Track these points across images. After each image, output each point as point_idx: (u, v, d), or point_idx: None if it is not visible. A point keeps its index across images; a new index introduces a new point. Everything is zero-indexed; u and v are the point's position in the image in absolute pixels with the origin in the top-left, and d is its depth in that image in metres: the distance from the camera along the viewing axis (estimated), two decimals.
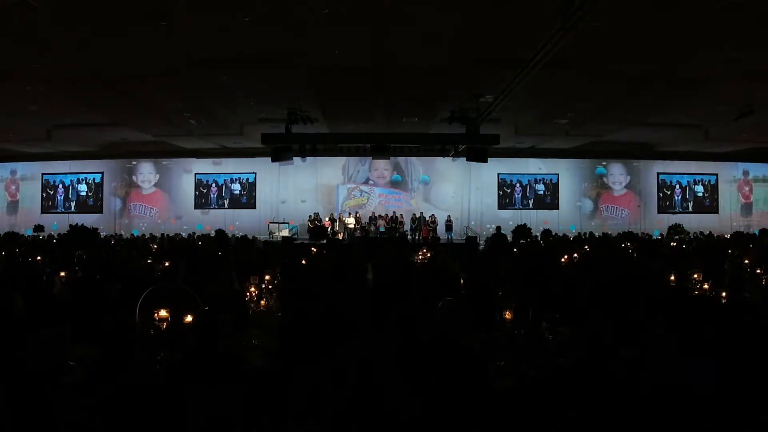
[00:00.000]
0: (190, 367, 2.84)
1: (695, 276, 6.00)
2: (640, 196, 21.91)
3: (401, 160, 20.72)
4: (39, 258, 8.55)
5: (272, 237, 18.30)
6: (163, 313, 3.63)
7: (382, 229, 19.46)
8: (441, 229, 19.39)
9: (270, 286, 5.74)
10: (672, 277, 6.05)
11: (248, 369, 3.15)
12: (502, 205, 21.47)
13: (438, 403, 2.76)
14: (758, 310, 4.52)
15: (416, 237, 18.99)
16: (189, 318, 3.65)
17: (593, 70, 10.40)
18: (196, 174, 21.48)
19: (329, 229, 19.01)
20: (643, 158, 21.60)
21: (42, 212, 21.55)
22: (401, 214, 20.07)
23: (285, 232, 18.91)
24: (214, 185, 21.51)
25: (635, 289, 5.08)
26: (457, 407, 2.73)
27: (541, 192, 21.60)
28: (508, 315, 3.97)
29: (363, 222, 19.72)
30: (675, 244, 13.98)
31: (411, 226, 19.59)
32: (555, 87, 11.36)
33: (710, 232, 18.10)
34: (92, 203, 21.75)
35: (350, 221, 19.22)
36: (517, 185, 21.58)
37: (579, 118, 14.86)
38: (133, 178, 21.68)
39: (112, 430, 2.69)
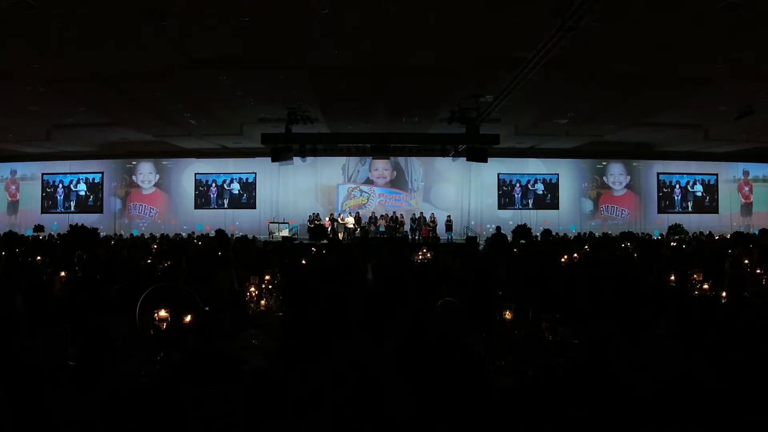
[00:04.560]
0: (190, 367, 2.84)
1: (695, 276, 6.00)
2: (640, 196, 21.94)
3: (401, 160, 20.72)
4: (39, 258, 8.55)
5: (272, 237, 18.30)
6: (163, 313, 3.63)
7: (382, 229, 19.46)
8: (441, 229, 19.38)
9: (270, 286, 5.74)
10: (672, 277, 6.05)
11: (248, 369, 3.15)
12: (502, 205, 21.47)
13: (438, 404, 2.76)
14: (758, 310, 4.52)
15: (416, 237, 18.99)
16: (189, 318, 3.65)
17: (593, 70, 10.40)
18: (195, 174, 21.48)
19: (329, 229, 19.01)
20: (643, 158, 21.61)
21: (42, 212, 21.53)
22: (401, 214, 20.07)
23: (285, 232, 18.90)
24: (213, 185, 21.51)
25: (635, 290, 5.07)
26: (457, 407, 2.73)
27: (541, 192, 21.60)
28: (508, 315, 3.97)
29: (363, 222, 19.72)
30: (675, 244, 13.97)
31: (411, 226, 19.59)
32: (555, 87, 11.37)
33: (710, 232, 18.11)
34: (92, 203, 21.74)
35: (350, 221, 19.22)
36: (517, 185, 21.58)
37: (579, 118, 14.86)
38: (133, 178, 21.68)
39: (112, 430, 2.69)
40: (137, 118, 14.75)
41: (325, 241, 16.10)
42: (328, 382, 3.07)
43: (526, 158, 21.24)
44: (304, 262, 8.63)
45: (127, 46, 8.95)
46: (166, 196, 21.68)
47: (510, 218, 20.44)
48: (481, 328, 4.02)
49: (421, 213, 19.91)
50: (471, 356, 2.92)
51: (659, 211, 21.81)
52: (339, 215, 19.97)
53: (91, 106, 13.28)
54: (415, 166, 21.16)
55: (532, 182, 21.60)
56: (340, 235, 18.55)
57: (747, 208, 22.27)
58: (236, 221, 20.98)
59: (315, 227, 18.45)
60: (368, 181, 21.27)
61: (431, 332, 3.18)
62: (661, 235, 19.48)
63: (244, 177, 21.43)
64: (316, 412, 3.02)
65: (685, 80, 11.09)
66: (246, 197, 21.44)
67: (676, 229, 18.72)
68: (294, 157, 15.91)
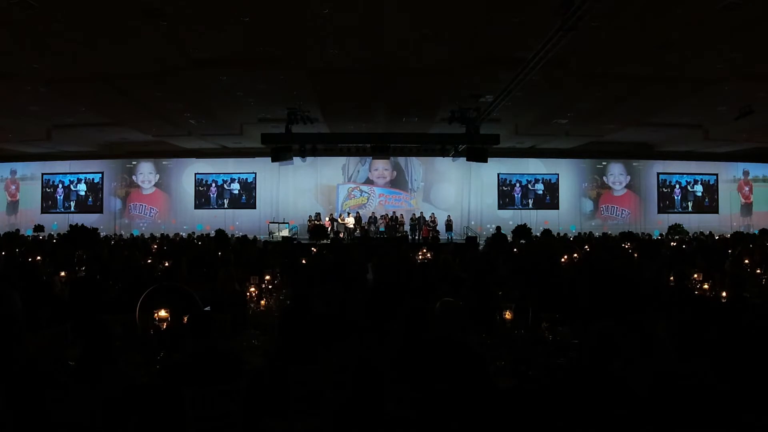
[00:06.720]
0: (190, 367, 2.84)
1: (695, 276, 6.00)
2: (640, 196, 21.94)
3: (401, 160, 20.72)
4: (39, 258, 8.55)
5: (272, 237, 18.30)
6: (163, 313, 3.63)
7: (382, 229, 19.47)
8: (441, 228, 19.39)
9: (270, 286, 5.74)
10: (672, 278, 6.05)
11: (248, 369, 3.15)
12: (502, 205, 21.47)
13: (438, 403, 2.75)
14: (758, 310, 4.52)
15: (416, 237, 18.98)
16: (188, 318, 3.65)
17: (593, 71, 10.40)
18: (195, 174, 21.47)
19: (329, 229, 19.00)
20: (643, 158, 21.60)
21: (42, 212, 21.51)
22: (401, 214, 20.07)
23: (285, 232, 18.90)
24: (213, 185, 21.51)
25: (635, 290, 5.07)
26: (458, 407, 2.73)
27: (541, 192, 21.60)
28: (508, 315, 3.97)
29: (363, 222, 19.72)
30: (675, 244, 13.97)
31: (411, 225, 19.59)
32: (555, 87, 11.37)
33: (710, 232, 18.10)
34: (92, 203, 21.73)
35: (350, 221, 19.22)
36: (517, 185, 21.58)
37: (579, 118, 14.86)
38: (133, 178, 21.67)
39: (112, 430, 2.69)
40: (137, 118, 14.75)
41: (325, 241, 16.10)
42: (328, 382, 3.07)
43: (526, 158, 21.25)
44: (304, 261, 8.63)
45: (127, 46, 8.95)
46: (166, 196, 21.68)
47: (510, 218, 20.43)
48: (481, 328, 4.02)
49: (421, 213, 19.91)
50: (472, 356, 2.92)
51: (659, 211, 21.80)
52: (339, 215, 19.98)
53: (91, 106, 13.28)
54: (415, 166, 21.16)
55: (532, 182, 21.60)
56: (341, 235, 18.55)
57: (747, 208, 22.26)
58: (236, 221, 20.97)
59: (315, 227, 18.46)
60: (368, 181, 21.26)
61: (432, 332, 3.18)
62: (661, 235, 19.47)
63: (244, 177, 21.43)
64: (316, 412, 3.02)
65: (685, 80, 11.09)
66: (246, 197, 21.44)
67: (676, 229, 18.71)
68: (294, 157, 15.92)
